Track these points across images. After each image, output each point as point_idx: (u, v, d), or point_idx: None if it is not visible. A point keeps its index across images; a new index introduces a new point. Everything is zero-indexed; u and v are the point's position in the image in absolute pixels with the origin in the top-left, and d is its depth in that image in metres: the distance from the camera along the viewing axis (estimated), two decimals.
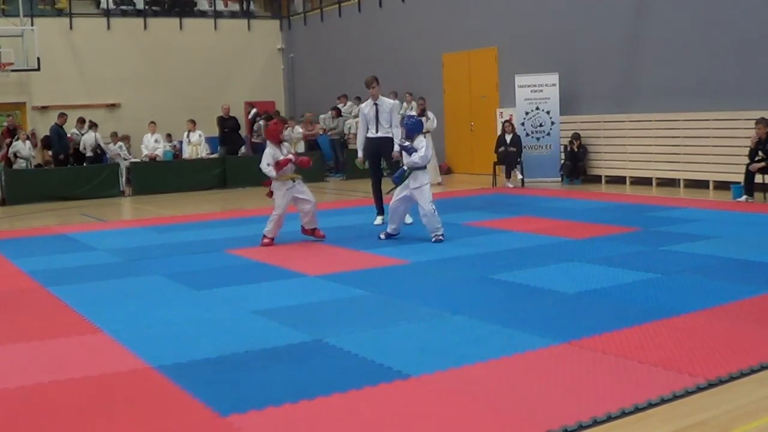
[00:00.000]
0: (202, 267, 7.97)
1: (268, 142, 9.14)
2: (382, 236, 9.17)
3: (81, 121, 18.62)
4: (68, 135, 18.18)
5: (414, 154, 8.72)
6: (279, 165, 8.86)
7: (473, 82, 18.51)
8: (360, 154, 10.51)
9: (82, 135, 18.27)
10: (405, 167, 8.84)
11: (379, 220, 10.44)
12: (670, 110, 14.00)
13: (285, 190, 8.93)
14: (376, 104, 10.29)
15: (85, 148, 17.97)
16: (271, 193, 9.08)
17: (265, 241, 9.02)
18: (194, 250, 8.92)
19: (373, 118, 10.25)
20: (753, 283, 6.26)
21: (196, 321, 5.77)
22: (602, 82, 15.38)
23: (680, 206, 11.28)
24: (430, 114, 16.27)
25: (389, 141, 10.15)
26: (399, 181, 8.86)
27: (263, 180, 9.24)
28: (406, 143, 8.83)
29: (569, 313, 5.62)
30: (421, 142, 8.84)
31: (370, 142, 10.30)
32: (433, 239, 8.84)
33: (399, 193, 8.94)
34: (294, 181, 9.00)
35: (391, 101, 10.66)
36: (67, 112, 18.41)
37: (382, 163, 10.53)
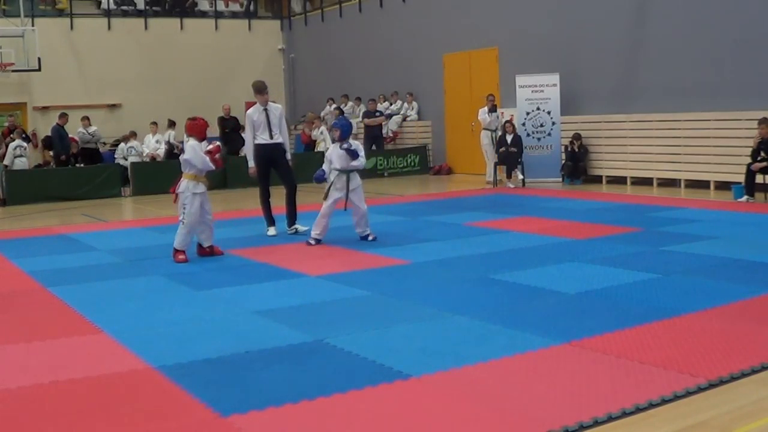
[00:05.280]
0: (202, 267, 7.97)
1: (192, 137, 8.43)
2: (312, 242, 8.94)
3: (85, 119, 18.68)
4: (76, 134, 18.29)
5: (360, 157, 8.89)
6: (212, 153, 8.36)
7: (474, 82, 18.51)
8: (251, 163, 9.81)
9: (90, 135, 18.40)
10: (326, 170, 8.85)
11: (272, 230, 9.87)
12: (671, 110, 14.01)
13: (196, 195, 8.30)
14: (266, 109, 9.80)
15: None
16: (177, 197, 8.42)
17: (181, 257, 8.25)
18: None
19: (264, 123, 9.71)
20: (753, 283, 6.26)
21: (197, 321, 5.76)
22: (603, 83, 15.38)
23: (681, 206, 11.28)
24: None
25: (281, 147, 9.82)
26: (321, 180, 8.89)
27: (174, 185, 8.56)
28: (350, 146, 8.80)
29: (570, 313, 5.62)
30: (358, 147, 8.96)
31: (262, 149, 9.74)
32: (371, 238, 9.03)
33: (333, 196, 8.85)
34: (205, 185, 8.45)
35: (280, 106, 10.12)
36: (67, 113, 18.45)
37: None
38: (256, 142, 9.80)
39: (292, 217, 9.93)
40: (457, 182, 17.19)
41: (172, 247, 8.38)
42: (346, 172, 8.86)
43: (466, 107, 18.73)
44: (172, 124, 19.17)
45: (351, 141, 9.00)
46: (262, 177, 9.91)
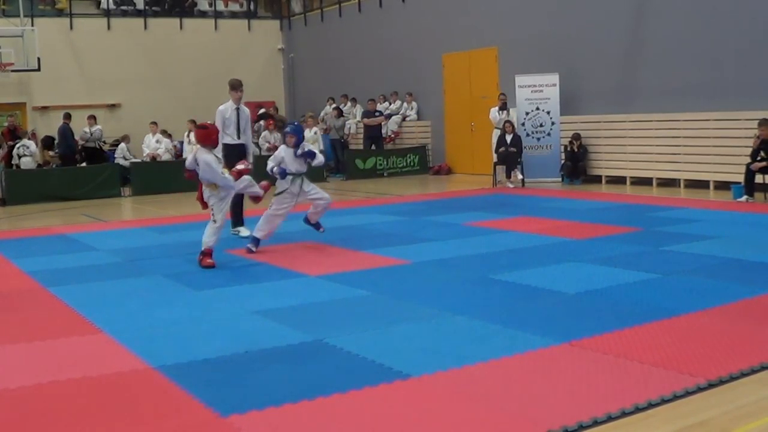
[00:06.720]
0: (202, 267, 7.95)
1: (203, 146, 8.05)
2: (253, 248, 8.63)
3: (91, 118, 18.71)
4: (79, 133, 18.34)
5: (317, 156, 8.88)
6: (240, 173, 8.10)
7: (473, 82, 18.52)
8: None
9: (89, 134, 18.44)
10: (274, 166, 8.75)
11: (245, 231, 9.71)
12: (671, 110, 14.01)
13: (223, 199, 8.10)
14: (237, 108, 9.76)
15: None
16: (205, 204, 8.12)
17: (209, 261, 7.88)
18: (195, 251, 8.88)
19: (234, 123, 9.69)
20: (753, 283, 6.26)
21: (197, 321, 5.77)
22: (602, 82, 15.38)
23: (680, 206, 11.28)
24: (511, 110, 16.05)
25: (245, 148, 9.78)
26: (284, 176, 8.67)
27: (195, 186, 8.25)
28: (303, 149, 8.71)
29: (569, 313, 5.62)
30: (309, 146, 8.93)
31: (231, 148, 9.58)
32: (321, 230, 9.11)
33: (283, 202, 8.73)
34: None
35: (248, 110, 10.13)
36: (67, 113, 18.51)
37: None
38: (223, 141, 9.59)
39: (239, 219, 10.02)
40: (457, 182, 17.19)
41: (171, 246, 8.34)
42: (300, 175, 8.78)
43: (466, 107, 18.75)
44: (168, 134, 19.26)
45: (303, 144, 8.84)
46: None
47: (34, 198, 15.18)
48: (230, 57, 23.68)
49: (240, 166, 8.18)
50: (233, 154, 9.56)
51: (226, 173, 8.02)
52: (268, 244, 8.91)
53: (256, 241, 8.70)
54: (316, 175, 17.29)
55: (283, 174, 8.69)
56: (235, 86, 9.87)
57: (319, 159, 8.98)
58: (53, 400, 4.19)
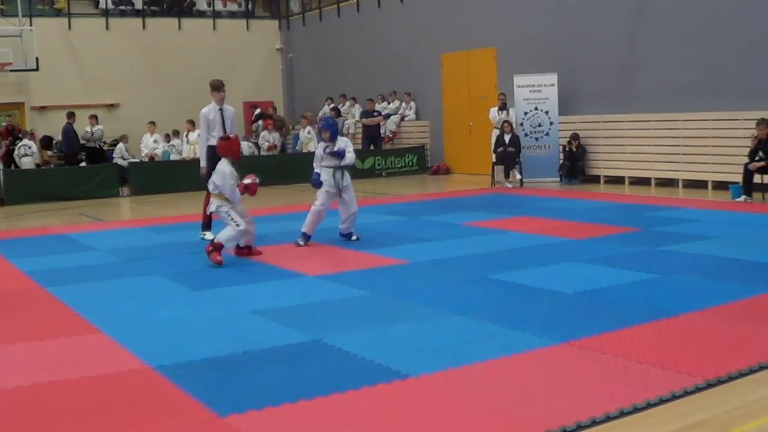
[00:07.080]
0: (201, 267, 7.95)
1: (225, 157, 8.24)
2: (302, 242, 8.90)
3: (93, 118, 18.72)
4: (85, 133, 18.37)
5: (347, 154, 8.91)
6: (250, 190, 8.18)
7: (472, 82, 18.52)
8: (203, 163, 9.47)
9: (90, 133, 18.46)
10: (317, 170, 8.94)
11: (210, 235, 9.35)
12: (669, 110, 14.02)
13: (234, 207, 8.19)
14: (221, 109, 9.67)
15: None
16: (209, 215, 8.22)
17: (219, 258, 7.91)
18: (193, 250, 8.90)
19: (219, 123, 9.50)
20: (752, 283, 6.27)
21: (195, 321, 5.76)
22: (601, 82, 15.39)
23: (679, 206, 11.29)
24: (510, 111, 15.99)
25: None
26: (318, 185, 8.92)
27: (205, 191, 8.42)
28: (336, 148, 8.88)
29: (568, 313, 5.62)
30: (347, 144, 9.02)
31: (215, 150, 9.23)
32: (354, 238, 9.11)
33: (326, 198, 8.90)
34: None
35: (233, 109, 10.02)
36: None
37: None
38: (210, 143, 9.47)
39: (207, 224, 9.63)
40: (455, 182, 17.20)
41: (170, 246, 8.32)
42: (340, 169, 8.93)
43: (464, 107, 18.74)
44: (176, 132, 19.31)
45: (339, 139, 9.06)
46: None
47: (32, 198, 15.16)
48: (229, 57, 23.67)
49: (247, 181, 8.21)
50: (218, 156, 9.47)
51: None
52: (268, 245, 8.92)
53: (306, 237, 8.90)
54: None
55: (318, 184, 8.90)
56: (217, 87, 9.78)
57: (348, 159, 8.97)
58: (52, 400, 4.18)
